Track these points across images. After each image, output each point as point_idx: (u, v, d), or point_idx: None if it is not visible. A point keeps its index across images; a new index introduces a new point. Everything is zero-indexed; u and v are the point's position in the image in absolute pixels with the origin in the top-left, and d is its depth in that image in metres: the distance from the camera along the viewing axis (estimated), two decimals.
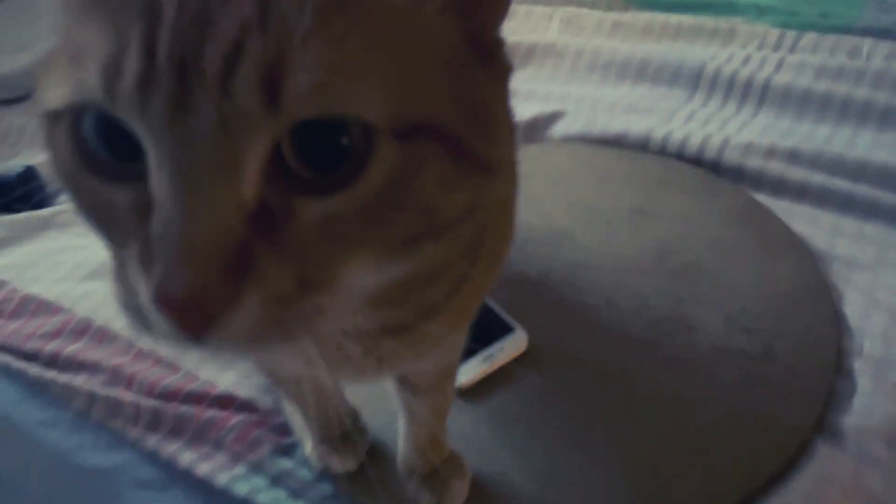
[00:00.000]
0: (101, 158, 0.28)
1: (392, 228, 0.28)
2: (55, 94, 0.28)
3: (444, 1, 0.29)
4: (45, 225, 0.97)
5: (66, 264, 0.90)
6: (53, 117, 0.29)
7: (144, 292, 0.26)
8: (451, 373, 0.59)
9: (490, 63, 0.34)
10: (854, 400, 0.68)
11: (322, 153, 0.26)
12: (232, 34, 0.24)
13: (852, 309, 0.76)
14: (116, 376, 0.77)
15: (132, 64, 0.25)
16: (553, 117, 1.08)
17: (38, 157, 1.10)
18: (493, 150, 0.31)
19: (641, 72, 1.15)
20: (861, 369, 0.70)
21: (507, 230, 0.46)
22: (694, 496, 0.63)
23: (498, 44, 0.35)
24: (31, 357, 0.81)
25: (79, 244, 0.93)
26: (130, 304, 0.28)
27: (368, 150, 0.26)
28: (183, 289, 0.25)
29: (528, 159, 1.02)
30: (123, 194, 0.27)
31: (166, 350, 0.79)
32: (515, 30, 1.30)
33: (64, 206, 1.01)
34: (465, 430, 0.69)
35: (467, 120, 0.30)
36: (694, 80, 1.11)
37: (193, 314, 0.25)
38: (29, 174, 1.02)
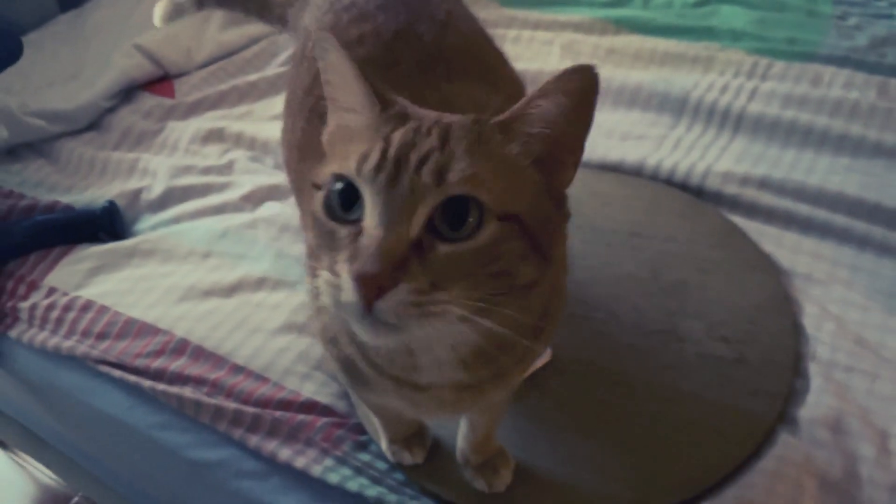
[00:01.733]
0: (337, 210, 0.49)
1: (487, 270, 0.48)
2: (323, 173, 0.51)
3: (533, 160, 0.51)
4: (132, 253, 1.13)
5: (158, 289, 1.07)
6: (316, 188, 0.51)
7: (347, 275, 0.46)
8: (506, 400, 0.77)
9: (557, 206, 0.52)
10: (808, 396, 0.87)
11: (456, 218, 0.47)
12: (424, 150, 0.48)
13: (809, 319, 0.95)
14: (217, 387, 0.95)
15: (373, 158, 0.48)
16: None
17: (110, 189, 1.26)
18: (551, 249, 0.51)
19: (634, 98, 1.31)
20: (814, 370, 0.89)
21: (559, 314, 0.64)
22: (683, 475, 0.83)
23: (564, 197, 0.53)
24: (140, 372, 0.98)
25: (165, 271, 1.10)
26: (335, 295, 0.47)
27: (481, 222, 0.47)
28: (374, 270, 0.45)
29: None
30: (345, 230, 0.49)
31: (255, 364, 0.97)
32: (521, 55, 1.45)
33: (144, 235, 1.17)
34: (506, 426, 0.87)
35: (540, 226, 0.50)
36: (679, 107, 1.28)
37: (372, 286, 0.45)
38: (112, 207, 1.18)
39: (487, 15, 1.55)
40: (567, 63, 1.46)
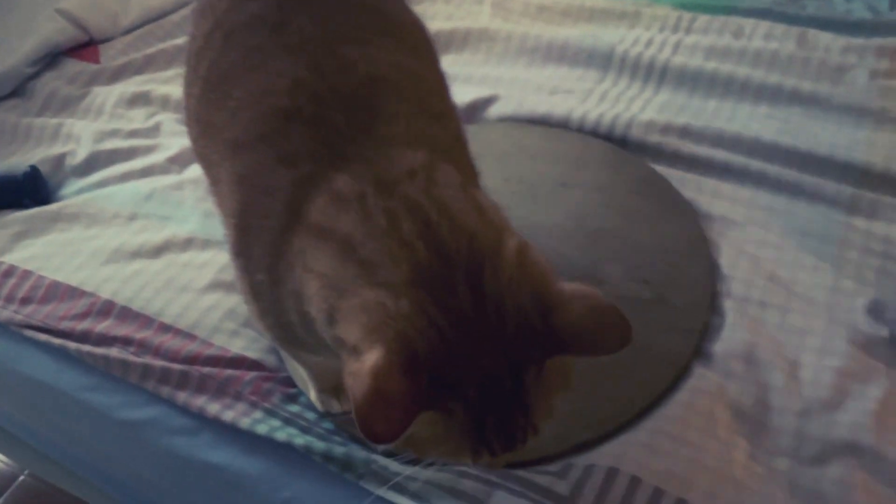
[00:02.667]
0: None
1: None
2: None
3: None
4: (56, 218, 1.11)
5: (83, 253, 1.05)
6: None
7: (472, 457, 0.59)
8: None
9: None
10: (722, 331, 0.90)
11: None
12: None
13: (725, 259, 0.98)
14: (144, 346, 0.94)
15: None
16: (489, 100, 1.25)
17: (34, 155, 1.23)
18: None
19: (562, 54, 1.33)
20: (729, 307, 0.93)
21: None
22: (602, 410, 0.85)
23: None
24: (66, 335, 0.97)
25: (90, 235, 1.08)
26: None
27: None
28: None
29: (471, 138, 1.21)
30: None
31: (182, 322, 0.96)
32: (452, 14, 1.45)
33: (69, 200, 1.15)
34: None
35: None
36: (606, 61, 1.29)
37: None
38: (34, 173, 1.15)
39: None
40: (497, 22, 1.46)
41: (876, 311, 0.91)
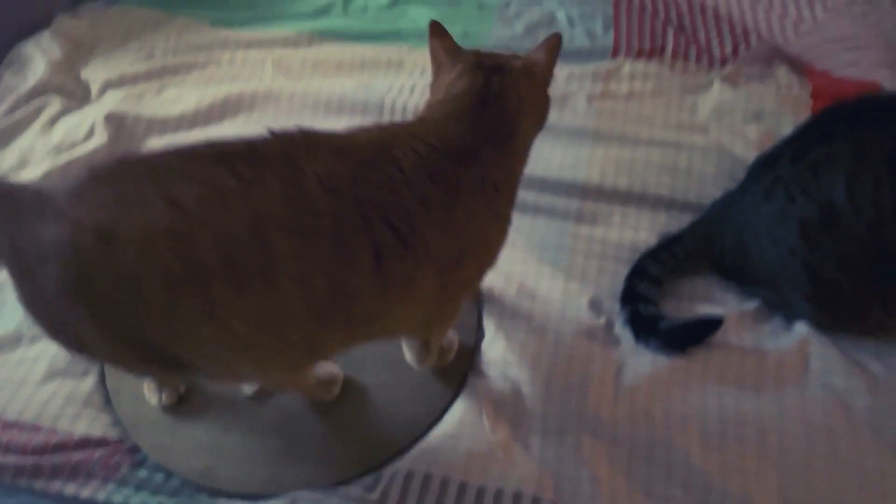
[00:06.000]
0: None
1: None
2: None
3: None
4: None
5: None
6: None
7: None
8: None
9: None
10: (484, 344, 1.15)
11: None
12: None
13: (485, 285, 1.22)
14: None
15: None
16: None
17: None
18: None
19: (340, 107, 1.51)
20: (488, 324, 1.17)
21: None
22: (401, 427, 1.07)
23: None
24: None
25: None
26: None
27: None
28: None
29: None
30: None
31: (26, 416, 1.08)
32: (237, 76, 1.59)
33: None
34: (255, 425, 1.07)
35: None
36: (378, 110, 1.49)
37: None
38: None
39: (200, 38, 1.67)
40: (280, 80, 1.61)
41: (595, 304, 1.18)
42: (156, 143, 1.45)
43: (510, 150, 0.90)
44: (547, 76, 0.96)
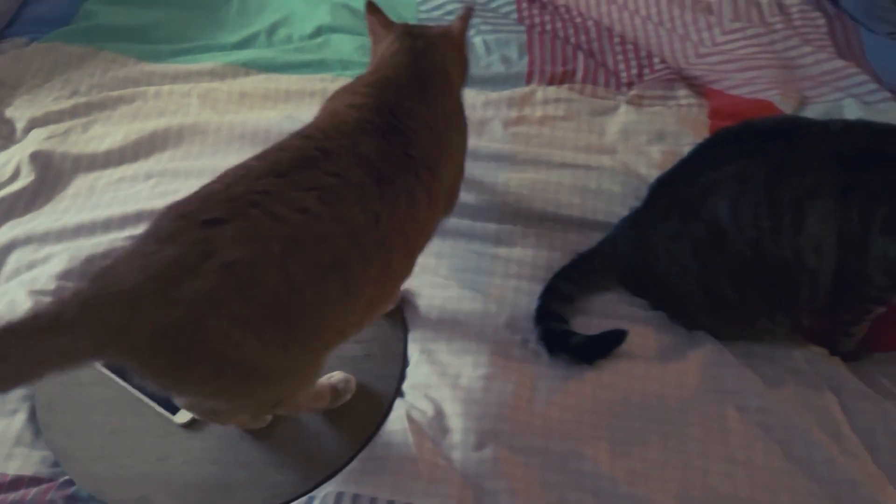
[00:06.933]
0: None
1: None
2: None
3: None
4: None
5: None
6: None
7: None
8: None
9: None
10: (408, 370, 1.21)
11: None
12: None
13: (409, 309, 1.29)
14: None
15: None
16: None
17: None
18: None
19: (266, 138, 1.55)
20: (412, 350, 1.24)
21: None
22: (335, 448, 1.13)
23: None
24: None
25: None
26: None
27: None
28: None
29: None
30: None
31: None
32: (164, 110, 1.62)
33: None
34: (189, 454, 1.12)
35: None
36: None
37: None
38: None
39: (126, 73, 1.70)
40: (207, 113, 1.65)
41: (512, 324, 1.26)
42: (83, 180, 1.48)
43: (446, 88, 1.12)
44: (462, 39, 1.21)
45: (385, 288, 1.03)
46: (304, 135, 0.97)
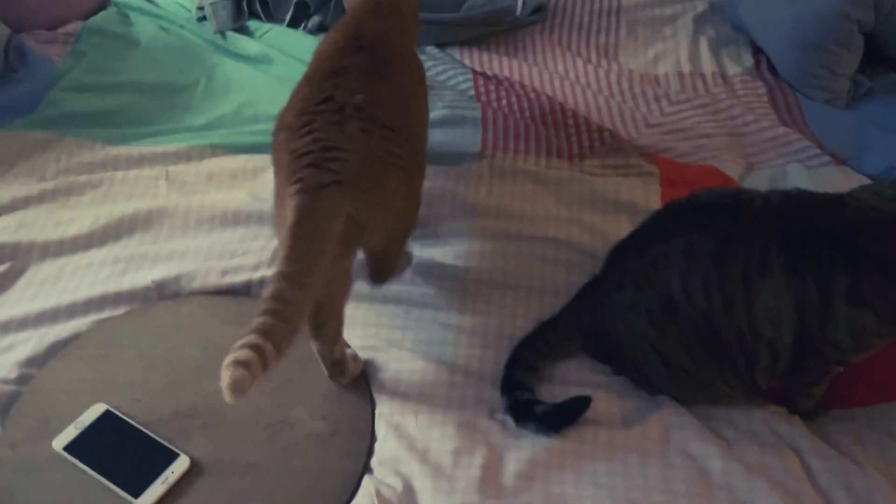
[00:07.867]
0: None
1: None
2: None
3: None
4: None
5: None
6: None
7: None
8: None
9: None
10: (377, 445, 1.23)
11: None
12: None
13: (375, 385, 1.30)
14: None
15: None
16: (179, 277, 1.47)
17: None
18: None
19: (236, 219, 1.58)
20: (379, 426, 1.25)
21: None
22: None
23: None
24: None
25: None
26: None
27: None
28: None
29: (168, 313, 1.41)
30: None
31: None
32: (131, 193, 1.65)
33: None
34: None
35: None
36: (270, 219, 1.57)
37: None
38: None
39: (92, 157, 1.71)
40: (175, 196, 1.68)
41: (478, 395, 1.29)
42: (50, 266, 1.48)
43: (404, 38, 1.42)
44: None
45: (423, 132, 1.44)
46: (309, 74, 1.29)
